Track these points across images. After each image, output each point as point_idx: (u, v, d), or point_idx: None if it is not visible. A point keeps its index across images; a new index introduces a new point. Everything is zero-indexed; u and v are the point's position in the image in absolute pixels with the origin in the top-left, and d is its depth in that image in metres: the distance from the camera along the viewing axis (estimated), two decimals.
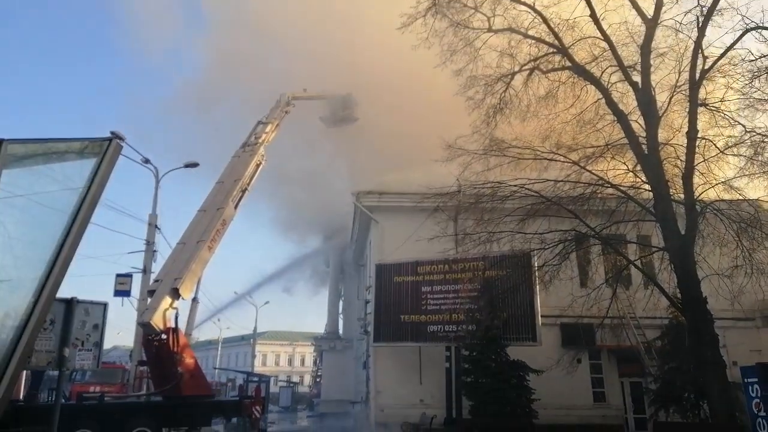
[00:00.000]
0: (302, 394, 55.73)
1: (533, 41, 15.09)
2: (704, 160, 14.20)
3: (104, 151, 5.30)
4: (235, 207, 19.27)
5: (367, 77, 28.57)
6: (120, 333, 77.15)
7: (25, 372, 19.25)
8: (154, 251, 20.81)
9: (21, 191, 4.81)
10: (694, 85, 14.18)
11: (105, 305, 6.42)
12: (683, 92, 14.53)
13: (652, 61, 14.71)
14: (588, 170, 14.31)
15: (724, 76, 14.44)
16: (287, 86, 26.01)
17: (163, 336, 15.62)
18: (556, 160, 14.63)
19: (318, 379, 45.87)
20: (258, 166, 20.99)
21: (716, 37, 14.28)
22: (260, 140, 21.76)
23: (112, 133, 5.60)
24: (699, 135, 14.22)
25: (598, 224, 14.56)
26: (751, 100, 14.30)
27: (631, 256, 15.85)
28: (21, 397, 17.50)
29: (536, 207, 14.35)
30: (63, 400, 15.72)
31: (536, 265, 15.71)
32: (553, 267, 14.35)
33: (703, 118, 14.58)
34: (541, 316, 17.50)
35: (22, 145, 5.04)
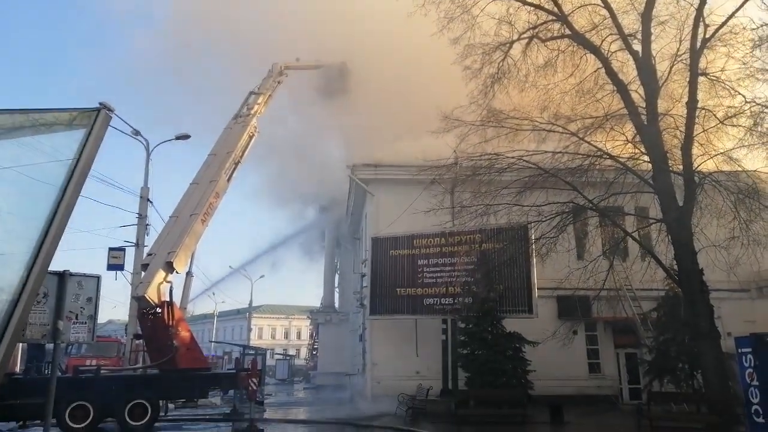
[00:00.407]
0: (299, 366, 56.32)
1: (532, 8, 14.77)
2: (704, 131, 14.09)
3: (93, 121, 5.11)
4: (228, 179, 19.04)
5: (362, 46, 28.02)
6: (115, 307, 77.48)
7: (22, 346, 19.29)
8: (147, 225, 20.61)
9: (9, 164, 4.65)
10: (695, 54, 13.99)
11: (98, 278, 6.31)
12: (684, 61, 14.34)
13: (652, 30, 14.47)
14: (587, 141, 14.18)
15: (725, 45, 14.24)
16: (280, 56, 25.48)
17: (158, 309, 15.56)
18: (554, 131, 14.47)
19: (314, 352, 46.28)
20: (251, 137, 20.68)
21: (718, 5, 14.05)
22: (252, 111, 21.39)
23: (100, 103, 5.36)
24: (699, 105, 14.08)
25: (596, 196, 14.50)
26: (752, 69, 14.16)
27: (628, 228, 15.84)
28: (17, 370, 17.53)
29: (534, 179, 14.24)
30: (59, 373, 15.73)
31: (533, 237, 15.69)
32: (550, 239, 14.32)
33: (703, 88, 14.42)
34: (538, 289, 17.55)
35: (9, 116, 4.85)
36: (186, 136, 22.59)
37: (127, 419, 13.98)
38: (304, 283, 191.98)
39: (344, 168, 23.05)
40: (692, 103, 13.91)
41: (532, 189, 14.34)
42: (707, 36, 13.97)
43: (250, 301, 57.26)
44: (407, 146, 21.05)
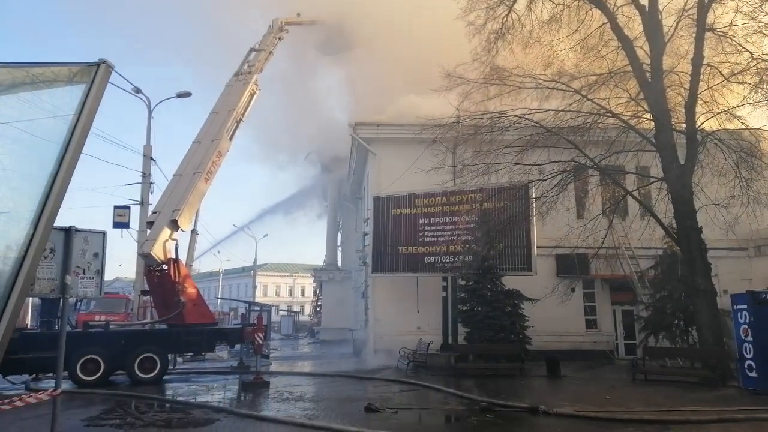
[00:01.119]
0: (303, 323, 57.36)
1: None
2: (708, 89, 13.94)
3: (93, 76, 5.13)
4: (230, 138, 19.01)
5: (363, 1, 27.42)
6: (122, 265, 78.48)
7: (33, 301, 19.71)
8: (151, 183, 20.71)
9: (9, 120, 4.70)
10: (703, 8, 13.72)
11: (104, 234, 6.44)
12: (691, 16, 14.06)
13: None
14: (590, 99, 14.07)
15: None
16: (280, 11, 24.98)
17: (164, 267, 15.83)
18: (557, 89, 14.33)
19: (318, 309, 47.07)
20: (252, 95, 20.51)
21: None
22: (253, 68, 21.14)
23: (100, 59, 5.37)
24: (704, 62, 13.89)
25: (598, 155, 14.48)
26: (760, 25, 13.86)
27: (629, 187, 15.87)
28: (27, 324, 17.98)
29: (536, 138, 14.21)
30: (69, 328, 16.15)
31: (534, 196, 15.75)
32: (550, 198, 14.40)
33: (709, 44, 14.19)
34: (537, 247, 17.72)
35: (8, 71, 4.87)
36: (187, 94, 22.44)
37: (137, 372, 14.44)
38: (307, 242, 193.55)
39: (346, 127, 22.92)
40: (698, 60, 13.73)
41: (533, 148, 14.31)
42: None
43: (255, 260, 57.92)
44: (409, 105, 20.89)
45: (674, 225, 14.48)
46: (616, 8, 14.48)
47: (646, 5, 14.14)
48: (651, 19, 14.07)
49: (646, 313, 17.03)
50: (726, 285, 16.92)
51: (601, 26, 14.67)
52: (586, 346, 19.52)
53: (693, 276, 13.92)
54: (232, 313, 44.16)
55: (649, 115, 14.20)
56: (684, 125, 13.97)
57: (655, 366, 15.24)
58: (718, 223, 14.10)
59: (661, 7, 14.27)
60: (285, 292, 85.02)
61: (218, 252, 60.51)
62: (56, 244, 5.90)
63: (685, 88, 14.06)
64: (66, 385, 13.06)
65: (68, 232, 6.06)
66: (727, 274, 18.07)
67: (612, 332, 20.43)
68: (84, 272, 6.21)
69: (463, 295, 17.85)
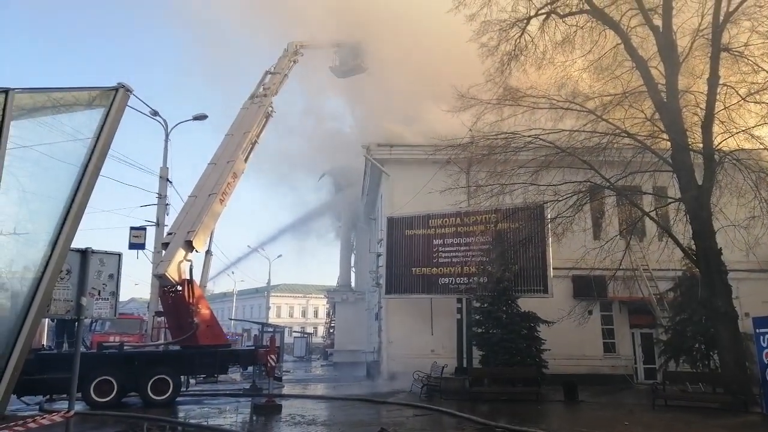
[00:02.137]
0: (316, 344, 57.05)
1: None
2: (725, 108, 13.80)
3: (112, 100, 5.19)
4: (245, 160, 19.19)
5: (378, 25, 27.76)
6: (137, 285, 79.02)
7: (48, 321, 19.81)
8: (167, 204, 20.90)
9: (30, 143, 4.75)
10: (718, 28, 13.65)
11: (119, 255, 6.47)
12: (706, 36, 14.00)
13: (674, 3, 14.15)
14: (604, 119, 13.98)
15: (749, 19, 13.86)
16: (295, 35, 25.39)
17: (179, 287, 15.86)
18: (572, 110, 14.28)
19: (331, 330, 46.80)
20: (267, 117, 20.76)
21: None
22: (268, 91, 21.43)
23: (119, 83, 5.47)
24: (720, 82, 13.79)
25: (614, 175, 14.35)
26: None
27: (646, 207, 15.68)
28: (43, 344, 18.05)
29: (550, 158, 14.11)
30: (84, 349, 16.18)
31: (549, 217, 15.60)
32: (566, 219, 14.24)
33: (725, 64, 14.09)
34: (553, 268, 17.51)
35: (30, 96, 4.94)
36: (203, 117, 22.75)
37: (150, 394, 14.37)
38: (321, 263, 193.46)
39: (360, 147, 23.03)
40: (714, 80, 13.63)
41: (548, 168, 14.22)
42: (730, 9, 13.61)
43: (269, 280, 57.99)
44: (423, 125, 20.97)
45: (693, 246, 14.23)
46: (629, 29, 14.48)
47: (660, 26, 14.12)
48: (665, 39, 14.04)
49: (665, 337, 16.67)
50: (747, 308, 16.55)
51: (615, 47, 14.67)
52: (604, 370, 19.14)
53: (713, 298, 13.63)
54: (245, 335, 44.03)
55: (665, 135, 14.08)
56: (701, 145, 13.81)
57: (675, 391, 14.85)
58: (738, 245, 13.84)
59: (675, 28, 14.24)
60: (298, 313, 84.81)
61: (232, 273, 60.73)
62: (72, 266, 5.93)
63: (701, 108, 13.94)
64: (79, 407, 13.03)
65: (84, 253, 6.10)
66: (748, 297, 17.68)
67: (631, 356, 20.01)
68: (99, 294, 6.23)
69: (477, 317, 17.64)
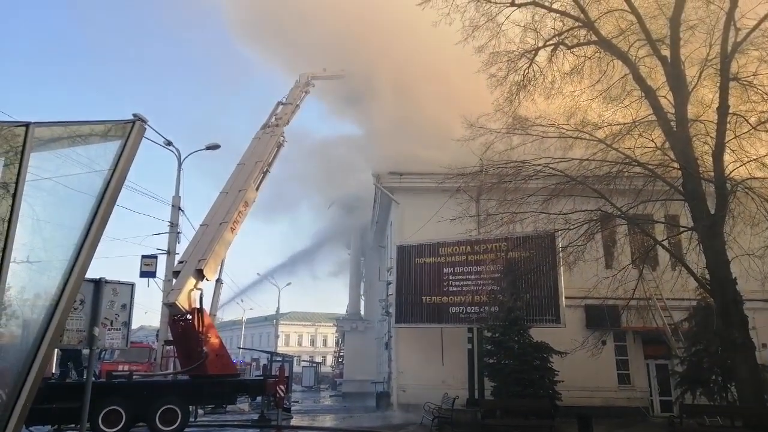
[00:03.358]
0: (325, 374, 56.49)
1: (558, 15, 14.70)
2: (735, 137, 13.76)
3: (128, 133, 5.30)
4: (257, 189, 19.37)
5: (387, 55, 28.24)
6: (147, 313, 79.07)
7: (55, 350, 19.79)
8: (178, 233, 21.06)
9: (47, 174, 4.85)
10: (726, 58, 13.71)
11: (132, 285, 6.51)
12: (714, 66, 14.05)
13: (681, 34, 14.24)
14: (614, 148, 13.98)
15: (757, 49, 13.93)
16: (306, 66, 25.87)
17: (189, 316, 15.85)
18: (581, 138, 14.30)
19: (340, 360, 46.36)
20: (279, 147, 21.03)
21: (750, 8, 13.74)
22: (280, 121, 21.75)
23: (134, 115, 5.58)
24: (730, 111, 13.78)
25: (625, 204, 14.28)
26: None
27: (658, 236, 15.53)
28: (53, 373, 18.01)
29: (561, 186, 14.08)
30: (93, 378, 16.12)
31: (560, 245, 15.51)
32: (577, 248, 14.13)
33: (734, 93, 14.10)
34: (565, 298, 17.34)
35: (48, 129, 5.06)
36: (216, 146, 23.06)
37: (159, 424, 14.25)
38: (330, 291, 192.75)
39: (369, 176, 23.19)
40: (723, 109, 13.63)
41: (559, 197, 14.18)
42: (738, 40, 13.69)
43: (278, 308, 57.83)
44: (432, 154, 21.09)
45: (707, 275, 14.05)
46: (637, 59, 14.58)
47: (668, 56, 14.21)
48: (673, 69, 14.12)
49: (681, 368, 16.34)
50: (765, 338, 16.25)
51: (623, 77, 14.76)
52: (619, 403, 18.74)
53: (729, 329, 13.36)
54: (253, 364, 43.72)
55: (675, 164, 14.04)
56: (712, 174, 13.75)
57: (693, 424, 14.49)
58: (753, 274, 13.64)
59: (683, 58, 14.33)
60: (307, 342, 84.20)
61: (241, 300, 60.68)
62: (86, 296, 5.97)
63: (711, 137, 13.91)
64: None
65: (98, 283, 6.13)
66: (765, 328, 17.36)
67: (646, 388, 19.61)
68: (111, 324, 6.24)
69: (489, 347, 17.42)
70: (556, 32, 14.79)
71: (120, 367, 23.07)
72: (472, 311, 18.30)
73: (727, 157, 13.76)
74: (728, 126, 13.64)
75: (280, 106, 22.80)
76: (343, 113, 33.46)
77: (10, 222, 3.77)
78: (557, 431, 14.78)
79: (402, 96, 28.04)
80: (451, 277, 19.06)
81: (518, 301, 16.99)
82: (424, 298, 19.24)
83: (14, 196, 3.84)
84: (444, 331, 19.35)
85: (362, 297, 40.04)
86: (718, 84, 13.88)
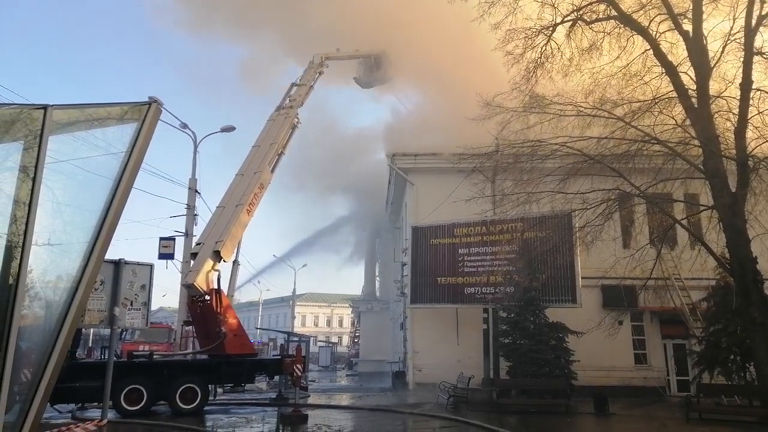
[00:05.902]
0: (341, 354, 57.09)
1: None
2: (758, 113, 13.45)
3: (144, 115, 5.30)
4: (272, 170, 19.42)
5: (402, 34, 27.90)
6: (165, 295, 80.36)
7: None
8: (195, 215, 21.26)
9: (66, 157, 4.88)
10: (750, 32, 13.33)
11: (151, 266, 6.60)
12: (737, 40, 13.68)
13: (704, 8, 13.86)
14: (633, 126, 13.73)
15: None
16: (320, 46, 25.64)
17: (207, 297, 16.05)
18: (599, 116, 14.05)
19: (356, 340, 46.81)
20: (293, 128, 20.99)
21: None
22: (294, 103, 21.68)
23: (150, 98, 5.56)
24: (754, 86, 13.45)
25: (644, 183, 14.07)
26: None
27: (677, 215, 15.33)
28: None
29: (578, 166, 13.91)
30: (114, 358, 16.45)
31: (577, 225, 15.37)
32: (595, 227, 13.99)
33: (758, 68, 13.74)
34: (582, 278, 17.25)
35: (65, 112, 5.08)
36: (231, 128, 23.11)
37: (179, 402, 14.54)
38: (345, 272, 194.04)
39: (384, 157, 23.12)
40: (746, 85, 13.29)
41: (576, 176, 14.01)
42: (763, 13, 13.29)
43: (294, 290, 58.32)
44: (448, 134, 20.93)
45: (727, 255, 13.85)
46: (658, 34, 14.23)
47: (690, 31, 13.85)
48: (695, 44, 13.77)
49: (699, 348, 16.24)
50: None
51: (643, 53, 14.43)
52: (635, 382, 18.71)
53: (748, 308, 13.21)
54: (270, 344, 44.31)
55: (696, 142, 13.76)
56: (734, 151, 13.47)
57: (710, 404, 14.44)
58: None
59: (705, 32, 13.96)
60: (323, 323, 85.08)
61: (258, 282, 61.30)
62: (106, 277, 6.05)
63: (733, 114, 13.60)
64: (110, 415, 13.24)
65: (117, 264, 6.22)
66: None
67: (663, 367, 19.54)
68: (131, 304, 6.34)
69: (504, 327, 17.45)
70: (575, 7, 14.46)
71: (141, 347, 23.53)
72: (488, 291, 18.31)
73: (750, 134, 13.46)
74: (751, 102, 13.33)
75: (294, 88, 22.70)
76: (358, 94, 33.12)
77: (31, 205, 3.81)
78: (573, 410, 14.82)
79: (416, 77, 27.79)
80: (466, 258, 19.04)
81: (534, 281, 16.94)
82: (439, 278, 19.27)
83: (34, 179, 3.87)
84: (459, 311, 19.40)
85: (377, 278, 40.24)
86: (741, 59, 13.52)
